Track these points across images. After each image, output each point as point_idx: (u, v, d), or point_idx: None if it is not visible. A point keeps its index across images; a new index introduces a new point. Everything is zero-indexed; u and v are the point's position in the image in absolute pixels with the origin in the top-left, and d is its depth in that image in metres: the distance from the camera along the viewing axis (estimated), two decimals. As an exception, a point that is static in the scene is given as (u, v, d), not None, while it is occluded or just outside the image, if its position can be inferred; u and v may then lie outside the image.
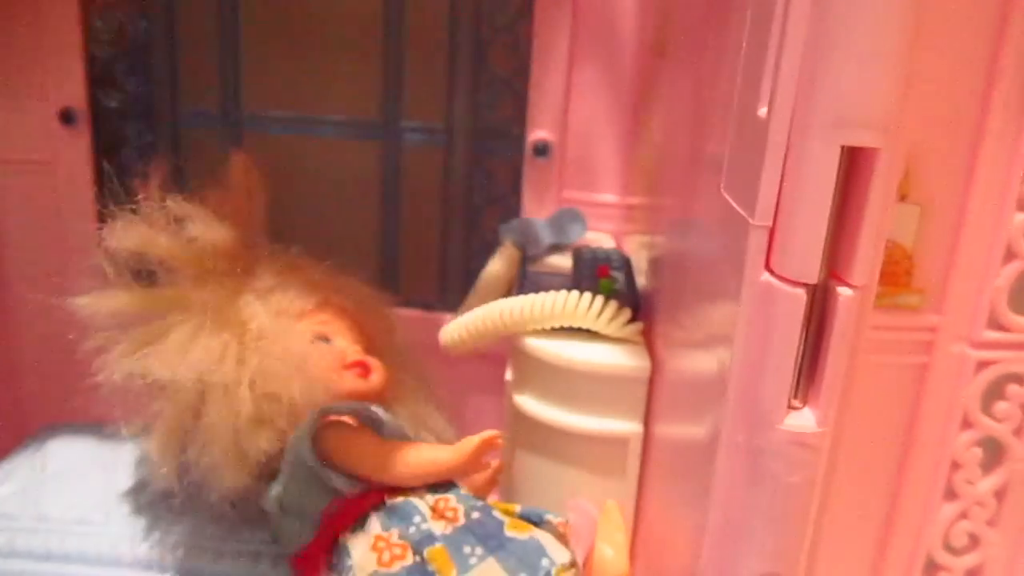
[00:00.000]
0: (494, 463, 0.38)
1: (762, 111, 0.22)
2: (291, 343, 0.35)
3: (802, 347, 0.22)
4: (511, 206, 0.54)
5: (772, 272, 0.22)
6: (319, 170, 0.55)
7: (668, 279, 0.36)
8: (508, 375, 0.39)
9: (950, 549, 0.38)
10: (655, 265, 0.40)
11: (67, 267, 0.54)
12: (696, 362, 0.29)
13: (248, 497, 0.35)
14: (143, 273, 0.37)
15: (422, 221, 0.56)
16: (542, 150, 0.51)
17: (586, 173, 0.52)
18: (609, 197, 0.53)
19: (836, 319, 0.22)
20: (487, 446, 0.32)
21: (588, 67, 0.50)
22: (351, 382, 0.37)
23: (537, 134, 0.51)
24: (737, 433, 0.24)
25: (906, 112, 0.20)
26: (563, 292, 0.35)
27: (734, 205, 0.24)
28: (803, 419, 0.23)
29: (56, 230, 0.54)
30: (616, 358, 0.35)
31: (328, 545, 0.33)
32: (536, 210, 0.52)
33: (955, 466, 0.37)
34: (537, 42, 0.50)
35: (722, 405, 0.24)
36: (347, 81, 0.54)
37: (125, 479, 0.41)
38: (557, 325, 0.36)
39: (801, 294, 0.21)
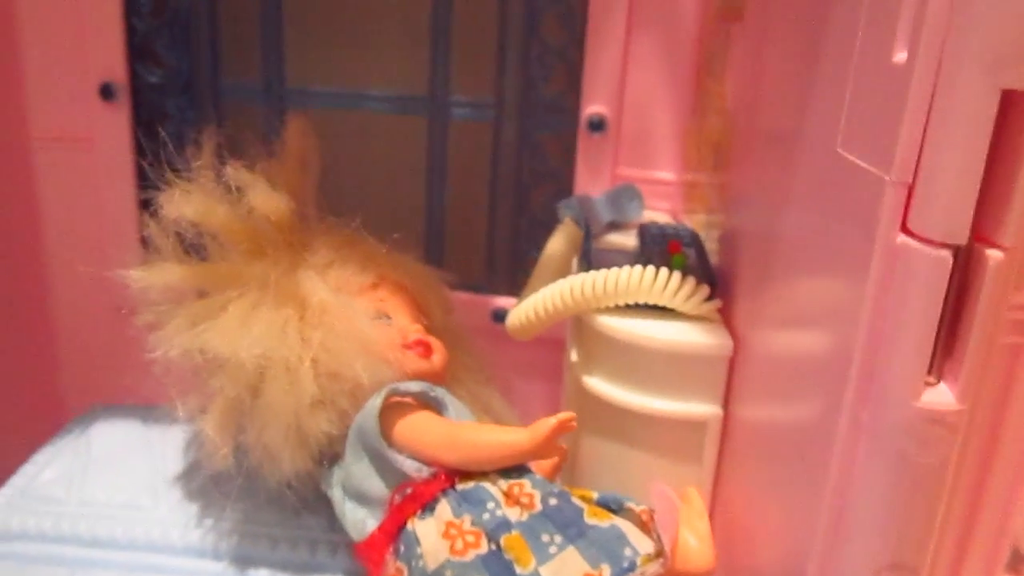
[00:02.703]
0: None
1: (899, 57, 0.20)
2: (354, 320, 0.34)
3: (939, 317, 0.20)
4: (563, 184, 0.52)
5: (910, 233, 0.20)
6: (363, 146, 0.53)
7: (748, 256, 0.34)
8: (573, 356, 0.38)
9: (1039, 541, 0.36)
10: (728, 243, 0.38)
11: (107, 244, 0.53)
12: (798, 339, 0.27)
13: (307, 481, 0.34)
14: (191, 247, 0.36)
15: (469, 199, 0.54)
16: (597, 125, 0.49)
17: (643, 149, 0.50)
18: (666, 175, 0.51)
19: (984, 285, 0.20)
20: (563, 428, 0.30)
21: (646, 37, 0.48)
22: (413, 362, 0.35)
23: (592, 108, 0.49)
24: (861, 412, 0.22)
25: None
26: (637, 267, 0.34)
27: (859, 163, 0.22)
28: (940, 395, 0.21)
29: (96, 208, 0.53)
30: (695, 336, 0.33)
31: (394, 532, 0.31)
32: (589, 188, 0.50)
33: (1047, 453, 0.35)
34: (592, 10, 0.48)
35: (840, 382, 0.22)
36: (392, 54, 0.52)
37: (175, 462, 0.40)
38: (630, 302, 0.34)
39: (946, 256, 0.20)
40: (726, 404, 0.34)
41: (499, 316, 0.53)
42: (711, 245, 0.40)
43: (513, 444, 0.30)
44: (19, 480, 0.40)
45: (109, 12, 0.50)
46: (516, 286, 0.54)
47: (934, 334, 0.20)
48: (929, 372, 0.21)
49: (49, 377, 0.56)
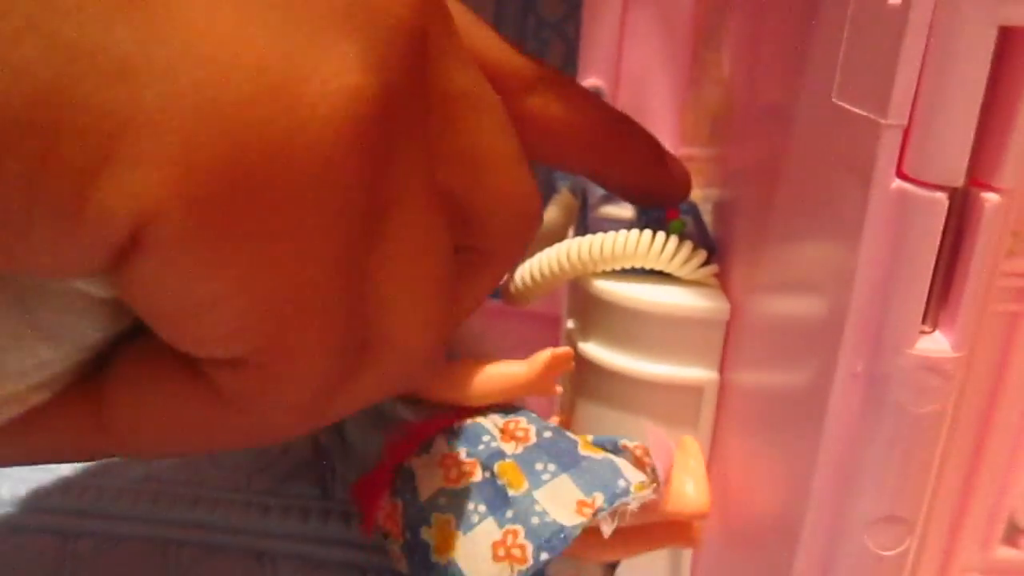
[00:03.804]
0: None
1: (894, 1, 0.20)
2: None
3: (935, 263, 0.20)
4: (559, 159, 0.51)
5: (906, 177, 0.20)
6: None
7: (743, 223, 0.34)
8: (569, 323, 0.37)
9: (1036, 513, 0.36)
10: (723, 212, 0.38)
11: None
12: (797, 301, 0.26)
13: (303, 444, 0.34)
14: None
15: (466, 175, 0.53)
16: (594, 98, 0.49)
17: (640, 122, 0.50)
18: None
19: (980, 228, 0.19)
20: (560, 360, 0.30)
21: (643, 8, 0.48)
22: None
23: (589, 82, 0.49)
24: (856, 362, 0.22)
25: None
26: (634, 231, 0.33)
27: (855, 110, 0.21)
28: (937, 343, 0.21)
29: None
30: (692, 300, 0.33)
31: (391, 470, 0.31)
32: (586, 163, 0.50)
33: (1045, 423, 0.34)
34: (589, -16, 0.48)
35: (836, 337, 0.22)
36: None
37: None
38: (627, 266, 0.34)
39: (942, 199, 0.19)
40: (723, 369, 0.34)
41: (494, 292, 0.53)
42: (707, 217, 0.40)
43: (511, 375, 0.30)
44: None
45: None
46: (513, 262, 0.54)
47: (929, 279, 0.20)
48: (924, 321, 0.21)
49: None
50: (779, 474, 0.26)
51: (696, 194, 0.46)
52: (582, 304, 0.36)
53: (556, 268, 0.34)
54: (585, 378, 0.36)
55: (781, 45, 0.30)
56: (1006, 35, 0.18)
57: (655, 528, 0.30)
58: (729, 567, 0.32)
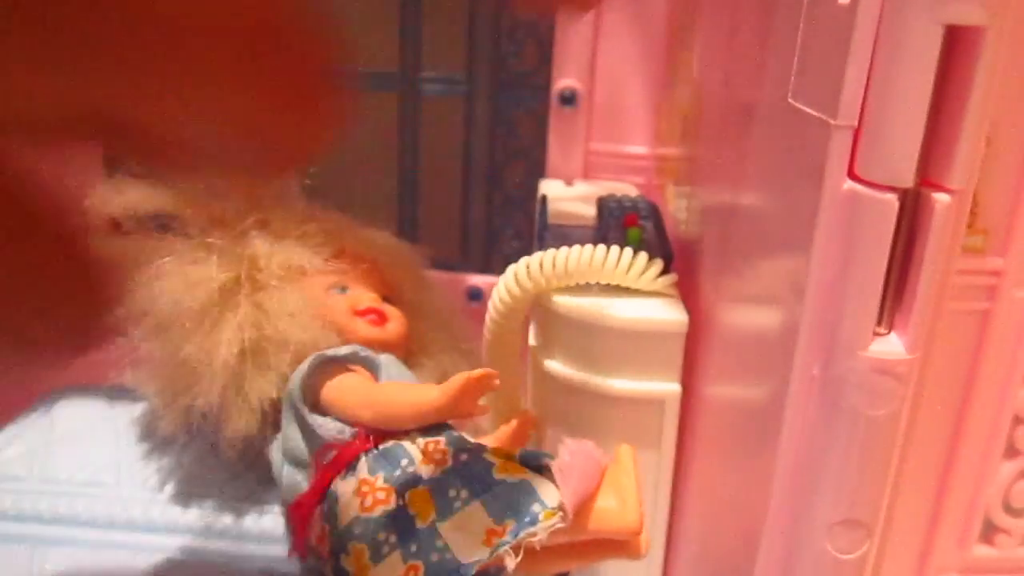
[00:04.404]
0: (505, 421, 0.35)
1: (844, -2, 0.20)
2: (302, 288, 0.34)
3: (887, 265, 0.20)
4: (535, 160, 0.51)
5: (857, 179, 0.20)
6: (334, 124, 0.53)
7: (713, 229, 0.33)
8: (531, 339, 0.37)
9: (1010, 510, 0.36)
10: (694, 216, 0.38)
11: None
12: (757, 307, 0.26)
13: (256, 446, 0.34)
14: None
15: (442, 176, 0.53)
16: (569, 99, 0.49)
17: (615, 123, 0.50)
18: (639, 149, 0.50)
19: (931, 229, 0.19)
20: (476, 383, 0.30)
21: (617, 10, 0.48)
22: (365, 330, 0.35)
23: (563, 82, 0.49)
24: (811, 366, 0.21)
25: None
26: (588, 247, 0.33)
27: (808, 110, 0.21)
28: (890, 345, 0.20)
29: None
30: (649, 312, 0.33)
31: (321, 493, 0.31)
32: (562, 164, 0.50)
33: (1017, 421, 0.34)
34: (563, -16, 0.47)
35: (793, 337, 0.22)
36: (361, 29, 0.51)
37: (139, 440, 0.40)
38: (583, 282, 0.34)
39: (892, 200, 0.19)
40: (688, 382, 0.33)
41: (474, 294, 0.53)
42: (681, 215, 0.40)
43: (425, 401, 0.30)
44: (-20, 459, 0.39)
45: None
46: (490, 264, 0.54)
47: (882, 281, 0.20)
48: (880, 323, 0.21)
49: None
50: (741, 482, 0.26)
51: (671, 191, 0.46)
52: (543, 320, 0.35)
53: (515, 289, 0.34)
54: (550, 395, 0.35)
55: (745, 46, 0.30)
56: (952, 34, 0.18)
57: (587, 544, 0.30)
58: (698, 573, 0.32)
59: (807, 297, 0.21)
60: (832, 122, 0.20)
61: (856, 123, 0.19)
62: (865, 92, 0.19)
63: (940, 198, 0.19)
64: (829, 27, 0.20)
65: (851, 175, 0.20)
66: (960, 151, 0.19)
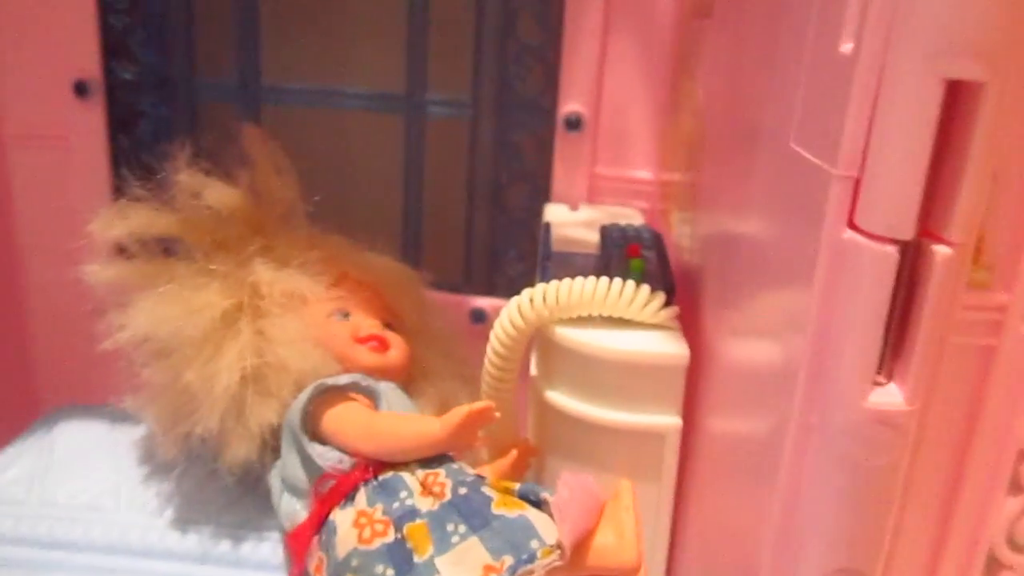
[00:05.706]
0: (512, 451, 0.35)
1: (846, 47, 0.19)
2: (304, 315, 0.34)
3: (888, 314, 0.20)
4: (540, 184, 0.51)
5: (857, 229, 0.19)
6: (339, 145, 0.53)
7: (715, 259, 0.33)
8: (533, 369, 0.37)
9: (1014, 546, 0.35)
10: (697, 244, 0.37)
11: (81, 243, 0.52)
12: (757, 343, 0.26)
13: (255, 473, 0.34)
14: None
15: (446, 199, 0.53)
16: (574, 123, 0.49)
17: (620, 148, 0.50)
18: (643, 174, 0.50)
19: (931, 282, 0.19)
20: (476, 417, 0.30)
21: (623, 35, 0.48)
22: (366, 357, 0.35)
23: (569, 107, 0.49)
24: (810, 413, 0.21)
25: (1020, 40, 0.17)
26: (590, 280, 0.33)
27: (809, 157, 0.21)
28: (890, 396, 0.20)
29: (70, 206, 0.52)
30: (650, 346, 0.32)
31: (319, 522, 0.31)
32: (567, 188, 0.50)
33: (1022, 456, 0.34)
34: (569, 9, 0.48)
35: (792, 387, 0.22)
36: (369, 52, 0.51)
37: (139, 463, 0.40)
38: (586, 314, 0.33)
39: (892, 252, 0.19)
40: (689, 415, 0.33)
41: (477, 316, 0.53)
42: (685, 242, 0.40)
43: (426, 434, 0.30)
44: (-20, 481, 0.39)
45: (84, 9, 0.50)
46: (494, 286, 0.53)
47: (882, 332, 0.20)
48: (879, 372, 0.20)
49: (23, 376, 0.55)
50: (740, 520, 0.26)
51: (675, 217, 0.46)
52: (544, 352, 0.35)
53: (519, 321, 0.33)
54: (551, 426, 0.35)
55: (747, 77, 0.30)
56: (953, 89, 0.18)
57: None
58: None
59: (806, 344, 0.21)
60: (832, 171, 0.20)
61: (856, 173, 0.19)
62: (866, 143, 0.19)
63: (940, 250, 0.19)
64: (831, 74, 0.20)
65: (851, 225, 0.20)
66: (960, 204, 0.19)
